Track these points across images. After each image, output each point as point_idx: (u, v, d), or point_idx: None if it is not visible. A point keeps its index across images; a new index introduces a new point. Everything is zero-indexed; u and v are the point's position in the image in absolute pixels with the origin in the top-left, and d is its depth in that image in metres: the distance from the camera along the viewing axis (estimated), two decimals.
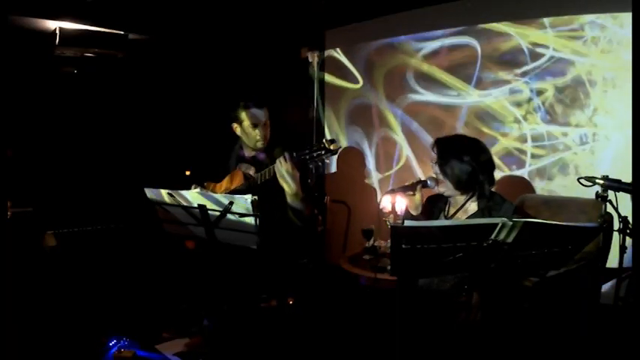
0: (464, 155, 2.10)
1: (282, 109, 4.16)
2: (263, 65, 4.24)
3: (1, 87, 2.50)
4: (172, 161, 3.64)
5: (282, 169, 2.31)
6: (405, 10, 3.56)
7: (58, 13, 3.33)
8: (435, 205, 2.31)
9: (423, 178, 2.25)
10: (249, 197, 1.96)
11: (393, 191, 2.29)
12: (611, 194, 1.89)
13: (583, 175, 1.90)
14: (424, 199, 2.33)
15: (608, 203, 1.89)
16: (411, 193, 2.24)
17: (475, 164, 2.09)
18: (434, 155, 2.19)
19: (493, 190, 2.16)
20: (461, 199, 2.19)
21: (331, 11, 3.77)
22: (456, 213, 2.21)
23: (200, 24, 3.90)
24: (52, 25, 3.39)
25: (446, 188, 2.17)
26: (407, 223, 1.68)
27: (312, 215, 2.76)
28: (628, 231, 1.81)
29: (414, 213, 2.25)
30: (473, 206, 2.17)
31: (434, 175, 2.21)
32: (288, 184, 2.33)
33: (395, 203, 2.60)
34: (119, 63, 3.80)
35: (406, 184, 2.27)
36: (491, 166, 2.15)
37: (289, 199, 2.38)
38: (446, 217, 2.24)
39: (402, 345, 2.02)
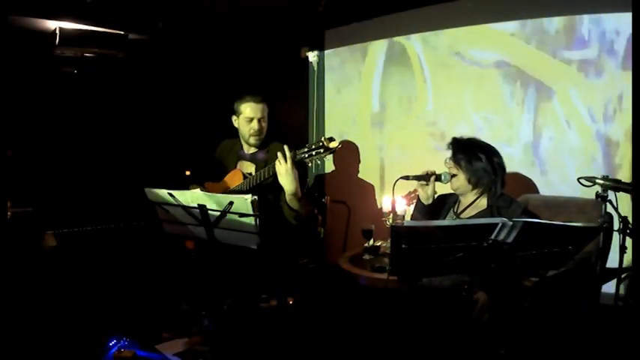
0: (479, 153, 2.19)
1: (281, 108, 4.18)
2: (263, 65, 4.24)
3: (1, 87, 2.49)
4: (172, 161, 3.65)
5: (282, 168, 2.31)
6: (406, 9, 3.56)
7: (58, 13, 3.33)
8: (445, 203, 2.38)
9: (438, 172, 2.31)
10: (249, 197, 1.96)
11: (407, 178, 2.33)
12: (611, 194, 1.89)
13: None
14: (410, 198, 2.44)
15: (608, 203, 1.89)
16: (425, 183, 2.31)
17: (489, 163, 2.18)
18: (449, 153, 2.27)
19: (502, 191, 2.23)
20: (471, 196, 2.25)
21: (331, 11, 3.76)
22: (465, 209, 2.27)
23: (200, 24, 3.90)
24: (52, 25, 3.39)
25: (458, 184, 2.24)
26: (407, 223, 1.69)
27: (310, 216, 2.76)
28: (628, 231, 1.81)
29: (425, 203, 2.33)
30: (482, 203, 2.24)
31: (447, 171, 2.27)
32: (288, 184, 2.33)
33: (395, 203, 2.60)
34: (119, 63, 3.79)
35: (420, 173, 2.32)
36: (503, 170, 2.23)
37: (287, 199, 2.39)
38: (455, 214, 2.30)
39: (403, 344, 2.02)
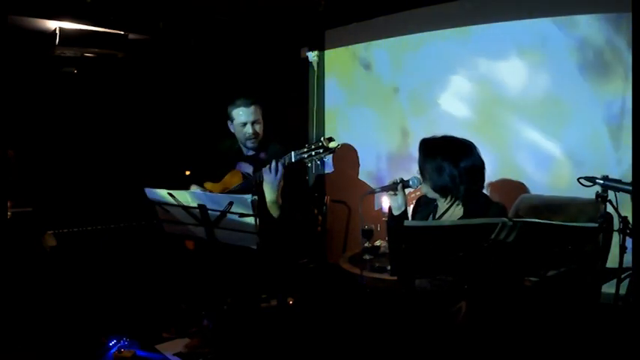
0: (444, 161, 2.01)
1: (282, 108, 4.18)
2: (263, 65, 4.24)
3: (1, 87, 2.51)
4: (172, 161, 3.65)
5: (268, 177, 2.36)
6: (406, 9, 3.56)
7: (58, 13, 3.33)
8: (426, 207, 2.24)
9: (406, 178, 2.19)
10: (249, 197, 1.96)
11: (373, 191, 2.28)
12: (611, 194, 1.89)
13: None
14: (410, 199, 2.29)
15: (608, 203, 1.88)
16: (393, 193, 2.19)
17: (455, 172, 2.00)
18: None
19: (485, 191, 2.11)
20: (445, 203, 2.12)
21: (331, 11, 3.77)
22: (441, 216, 2.13)
23: (200, 24, 3.90)
24: (52, 25, 3.39)
25: (427, 189, 2.11)
26: (407, 223, 1.67)
27: (308, 219, 2.75)
28: (628, 231, 1.81)
29: (396, 213, 2.20)
30: (458, 210, 2.09)
31: (417, 175, 2.15)
32: (268, 192, 2.38)
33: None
34: (119, 63, 3.80)
35: (387, 183, 2.23)
36: (477, 173, 2.05)
37: (267, 205, 2.40)
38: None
39: (401, 344, 2.02)
